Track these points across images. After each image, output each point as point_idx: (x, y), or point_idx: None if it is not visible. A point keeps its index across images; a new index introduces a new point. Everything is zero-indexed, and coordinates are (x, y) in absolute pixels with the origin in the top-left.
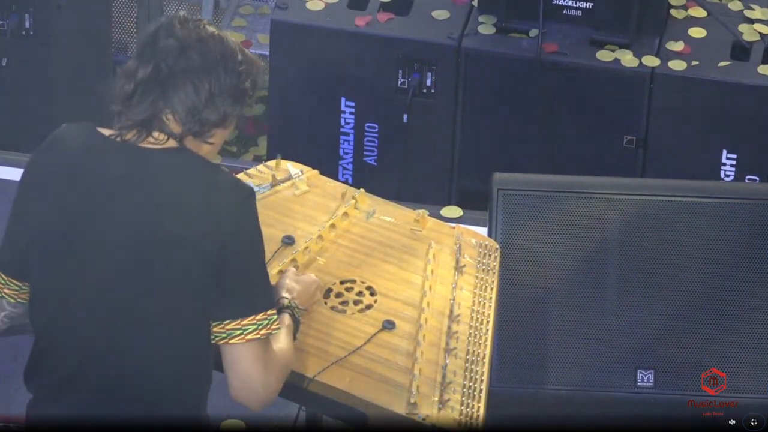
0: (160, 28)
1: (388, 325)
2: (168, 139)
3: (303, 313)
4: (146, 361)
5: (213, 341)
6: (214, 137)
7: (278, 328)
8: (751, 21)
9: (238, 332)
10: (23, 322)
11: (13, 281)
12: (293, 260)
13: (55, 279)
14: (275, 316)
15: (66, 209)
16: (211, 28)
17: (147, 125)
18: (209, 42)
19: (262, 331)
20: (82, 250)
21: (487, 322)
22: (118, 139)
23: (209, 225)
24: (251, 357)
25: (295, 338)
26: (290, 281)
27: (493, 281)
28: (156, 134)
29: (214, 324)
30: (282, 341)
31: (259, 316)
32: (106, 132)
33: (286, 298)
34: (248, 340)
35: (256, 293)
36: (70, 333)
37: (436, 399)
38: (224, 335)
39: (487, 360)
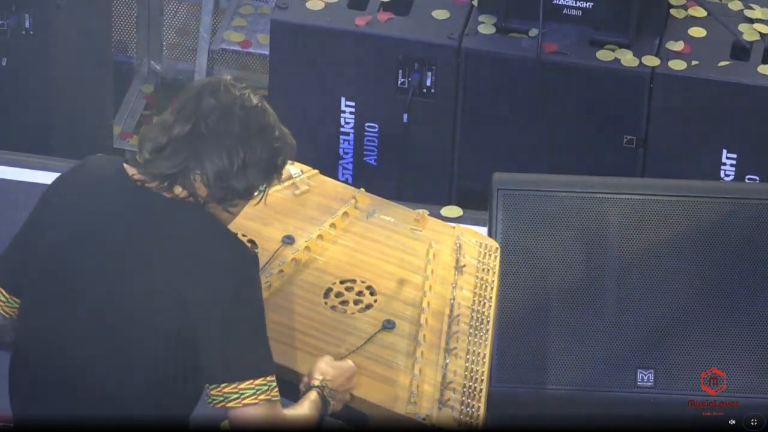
0: (205, 87)
1: (388, 325)
2: (189, 196)
3: (334, 394)
4: (123, 389)
5: (210, 404)
6: (237, 207)
7: (277, 395)
8: (751, 21)
9: (235, 396)
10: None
11: (3, 293)
12: (294, 260)
13: (46, 300)
14: (275, 382)
15: (71, 238)
16: (255, 99)
17: (173, 180)
18: (252, 112)
19: (261, 396)
20: (75, 279)
21: (487, 322)
22: (139, 183)
23: (201, 284)
24: (254, 420)
25: (322, 419)
26: (325, 365)
27: (493, 281)
28: (178, 189)
29: (210, 387)
30: (303, 409)
31: (258, 381)
32: (131, 171)
33: (318, 379)
34: (245, 405)
35: (256, 358)
36: (56, 352)
37: (436, 399)
38: (221, 398)
39: (487, 360)
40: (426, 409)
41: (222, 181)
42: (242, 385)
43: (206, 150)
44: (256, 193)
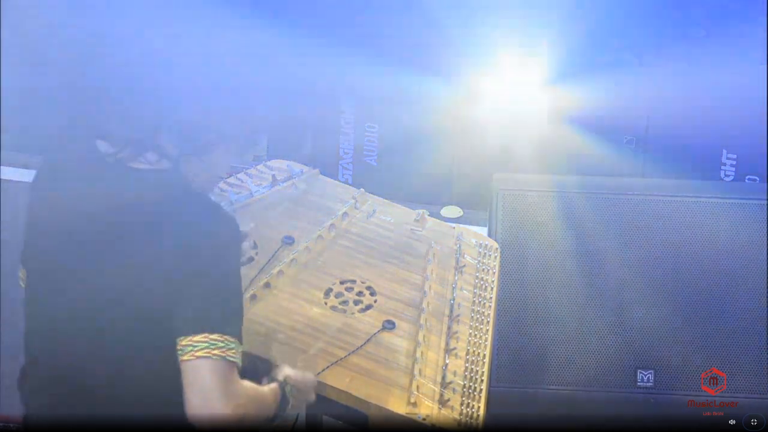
0: None
1: (388, 325)
2: (161, 160)
3: (295, 394)
4: (128, 371)
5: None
6: (215, 156)
7: (235, 357)
8: None
9: (189, 348)
10: None
11: None
12: (293, 260)
13: (42, 296)
14: (234, 344)
15: (52, 232)
16: None
17: (142, 144)
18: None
19: (215, 351)
20: (65, 269)
21: (487, 322)
22: (112, 159)
23: (179, 242)
24: (207, 373)
25: (277, 415)
26: (290, 370)
27: (493, 281)
28: (150, 155)
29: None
30: (262, 388)
31: (213, 336)
32: (104, 147)
33: (283, 376)
34: (198, 357)
35: (216, 314)
36: (56, 344)
37: (436, 399)
38: (179, 352)
39: (487, 360)
40: (426, 409)
41: (189, 136)
42: (196, 338)
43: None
44: (230, 139)
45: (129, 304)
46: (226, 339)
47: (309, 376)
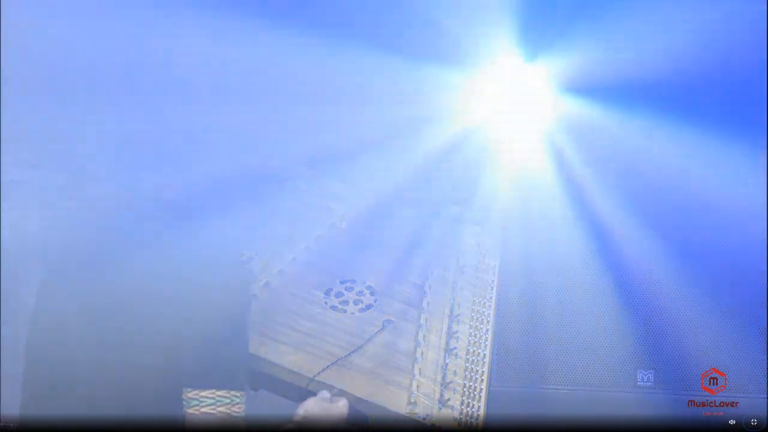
0: None
1: (388, 325)
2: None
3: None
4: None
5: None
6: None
7: (239, 411)
8: None
9: (194, 402)
10: None
11: None
12: (293, 260)
13: (56, 305)
14: (239, 398)
15: (79, 249)
16: None
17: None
18: None
19: (220, 408)
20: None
21: (487, 321)
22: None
23: (193, 295)
24: (209, 429)
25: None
26: (315, 403)
27: (493, 281)
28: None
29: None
30: None
31: (220, 392)
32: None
33: (299, 417)
34: (203, 413)
35: (225, 369)
36: (60, 351)
37: (436, 399)
38: (185, 401)
39: (487, 360)
40: (426, 409)
41: None
42: (203, 393)
43: None
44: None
45: (138, 330)
46: (232, 394)
47: (336, 406)
